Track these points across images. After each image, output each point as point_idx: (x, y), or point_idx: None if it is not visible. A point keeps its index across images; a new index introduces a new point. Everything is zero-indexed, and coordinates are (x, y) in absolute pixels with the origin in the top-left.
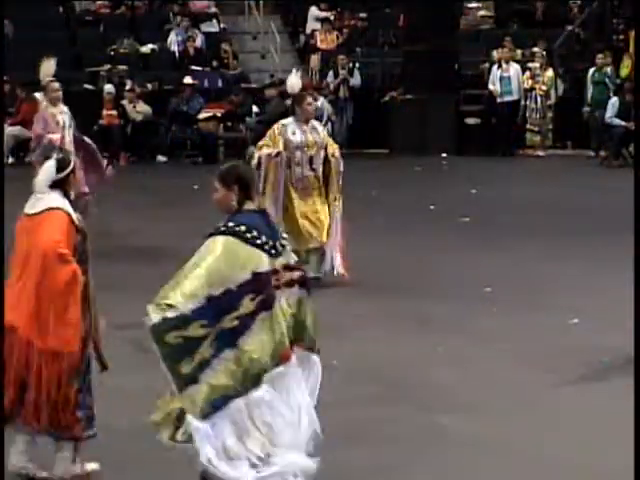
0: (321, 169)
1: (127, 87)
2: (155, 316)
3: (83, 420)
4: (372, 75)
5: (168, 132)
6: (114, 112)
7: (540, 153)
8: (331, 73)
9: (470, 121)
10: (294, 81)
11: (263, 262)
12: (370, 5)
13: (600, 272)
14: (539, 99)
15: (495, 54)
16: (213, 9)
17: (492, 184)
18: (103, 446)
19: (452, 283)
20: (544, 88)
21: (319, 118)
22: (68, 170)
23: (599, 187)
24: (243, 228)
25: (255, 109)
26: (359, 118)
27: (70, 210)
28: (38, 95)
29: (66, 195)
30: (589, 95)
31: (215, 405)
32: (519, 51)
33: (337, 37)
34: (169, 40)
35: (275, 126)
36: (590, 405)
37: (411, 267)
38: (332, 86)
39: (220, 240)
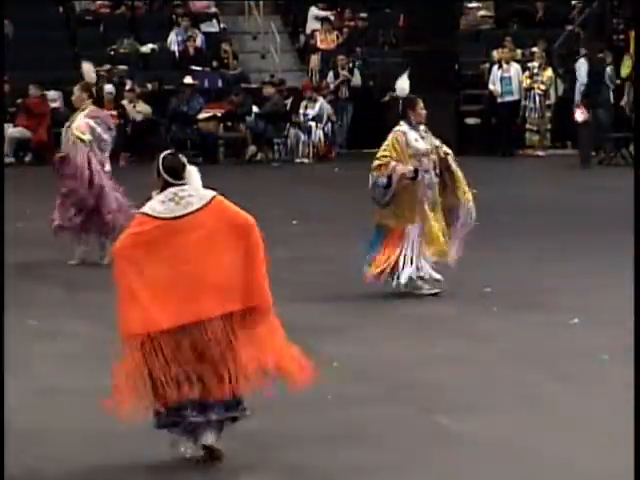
0: None
1: (127, 87)
2: None
3: None
4: (372, 75)
5: (168, 132)
6: (114, 112)
7: (540, 153)
8: (331, 73)
9: (470, 121)
10: (405, 85)
11: None
12: (370, 5)
13: (600, 272)
14: (537, 99)
15: (495, 54)
16: (213, 9)
17: (492, 184)
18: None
19: (452, 283)
20: (543, 88)
21: (319, 119)
22: None
23: (599, 187)
24: None
25: (255, 109)
26: (359, 118)
27: None
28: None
29: None
30: None
31: None
32: (519, 51)
33: (337, 37)
34: (169, 40)
35: (394, 135)
36: (590, 405)
37: None
38: (332, 86)
39: None
